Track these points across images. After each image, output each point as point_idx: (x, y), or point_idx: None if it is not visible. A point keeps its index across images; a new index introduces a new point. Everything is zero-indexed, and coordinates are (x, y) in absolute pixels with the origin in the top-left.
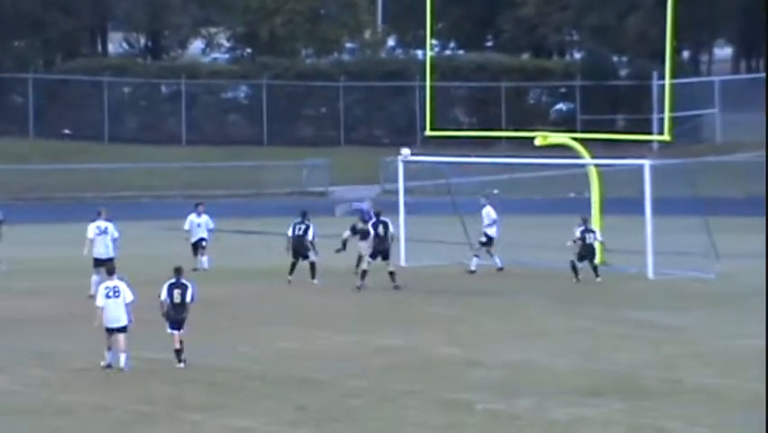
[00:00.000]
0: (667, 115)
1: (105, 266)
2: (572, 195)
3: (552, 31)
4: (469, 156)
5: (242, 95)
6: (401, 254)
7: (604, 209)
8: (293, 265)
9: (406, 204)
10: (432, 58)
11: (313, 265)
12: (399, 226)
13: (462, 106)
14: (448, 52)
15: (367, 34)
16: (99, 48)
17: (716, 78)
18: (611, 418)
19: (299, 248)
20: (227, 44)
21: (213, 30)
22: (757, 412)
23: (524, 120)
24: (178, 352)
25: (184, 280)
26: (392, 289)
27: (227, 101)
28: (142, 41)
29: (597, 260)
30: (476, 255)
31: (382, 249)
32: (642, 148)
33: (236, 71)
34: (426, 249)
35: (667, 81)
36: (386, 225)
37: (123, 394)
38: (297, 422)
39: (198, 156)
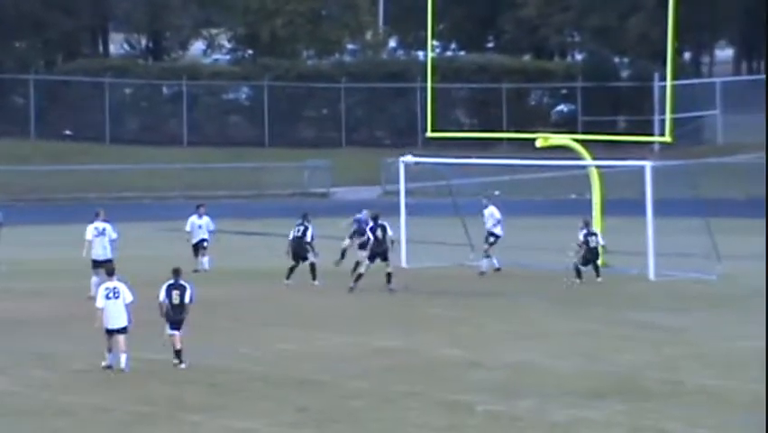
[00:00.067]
0: (668, 116)
1: (105, 267)
2: (573, 196)
3: (553, 32)
4: (470, 157)
5: (244, 96)
6: (402, 256)
7: (605, 211)
8: (292, 269)
9: (407, 205)
10: (433, 59)
11: (312, 266)
12: (401, 228)
13: (463, 108)
14: (449, 53)
15: (368, 35)
16: (100, 49)
17: (717, 80)
18: (612, 419)
19: (298, 250)
20: (228, 45)
21: (214, 31)
22: (758, 413)
23: (525, 121)
24: (178, 352)
25: (182, 282)
26: (388, 290)
27: (228, 102)
28: (143, 41)
29: (598, 261)
30: (487, 256)
31: (380, 251)
32: (643, 149)
33: (237, 72)
34: (427, 250)
35: (668, 82)
36: (384, 229)
37: (123, 395)
38: (297, 423)
39: (200, 157)
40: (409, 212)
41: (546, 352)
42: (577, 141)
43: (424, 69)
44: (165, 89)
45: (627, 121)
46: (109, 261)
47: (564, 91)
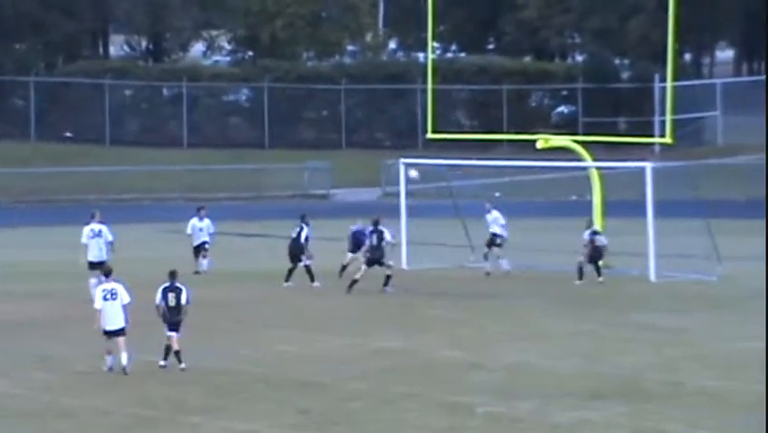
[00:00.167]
0: (669, 117)
1: (103, 268)
2: (574, 198)
3: (553, 33)
4: (470, 159)
5: (244, 97)
6: (403, 257)
7: (606, 212)
8: (290, 270)
9: (407, 207)
10: (433, 60)
11: (307, 268)
12: (401, 229)
13: (464, 109)
14: (449, 55)
15: (368, 37)
16: (100, 50)
17: (717, 81)
18: (613, 421)
19: (294, 251)
20: (228, 47)
21: (214, 32)
22: (759, 414)
23: (525, 123)
24: (177, 353)
25: (178, 284)
26: (382, 291)
27: (228, 104)
28: (144, 43)
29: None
30: (502, 258)
31: (375, 258)
32: (643, 150)
33: (237, 74)
34: (428, 252)
35: (669, 84)
36: (381, 235)
37: (123, 397)
38: (298, 425)
39: (200, 159)
40: (409, 213)
41: (547, 353)
42: (577, 142)
43: (424, 70)
44: (165, 91)
45: (628, 122)
46: (104, 262)
47: (565, 92)
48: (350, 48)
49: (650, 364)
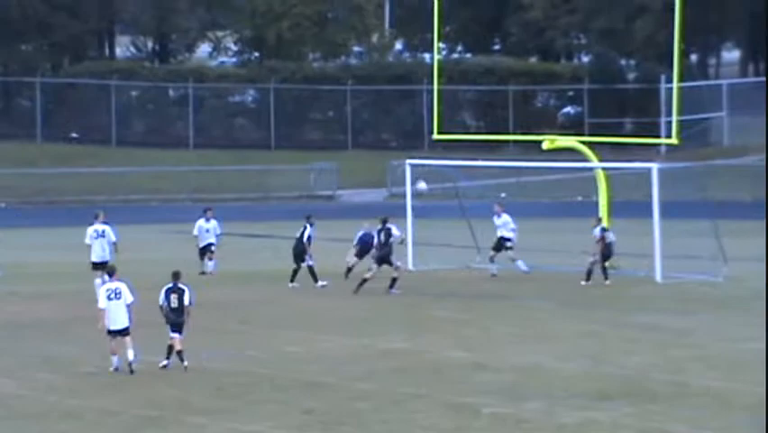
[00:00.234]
0: (675, 118)
1: (107, 268)
2: (580, 198)
3: (559, 34)
4: (476, 159)
5: (250, 98)
6: (409, 258)
7: (612, 213)
8: (294, 271)
9: (413, 207)
10: (439, 61)
11: (310, 269)
12: (407, 230)
13: (470, 110)
14: (455, 56)
15: (374, 38)
16: (107, 51)
17: (724, 82)
18: (619, 421)
19: (296, 252)
20: (234, 48)
21: (220, 33)
22: (763, 416)
23: (531, 123)
24: (179, 353)
25: (181, 285)
26: (388, 292)
27: (235, 105)
28: (150, 44)
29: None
30: (516, 260)
31: (383, 255)
32: (650, 151)
33: (243, 75)
34: (434, 252)
35: (675, 84)
36: (388, 232)
37: (129, 398)
38: (304, 426)
39: (206, 160)
40: (415, 214)
41: (553, 354)
42: (583, 143)
43: (430, 71)
44: (171, 92)
45: (634, 123)
46: (108, 263)
47: (571, 93)
48: (356, 49)
49: (655, 365)
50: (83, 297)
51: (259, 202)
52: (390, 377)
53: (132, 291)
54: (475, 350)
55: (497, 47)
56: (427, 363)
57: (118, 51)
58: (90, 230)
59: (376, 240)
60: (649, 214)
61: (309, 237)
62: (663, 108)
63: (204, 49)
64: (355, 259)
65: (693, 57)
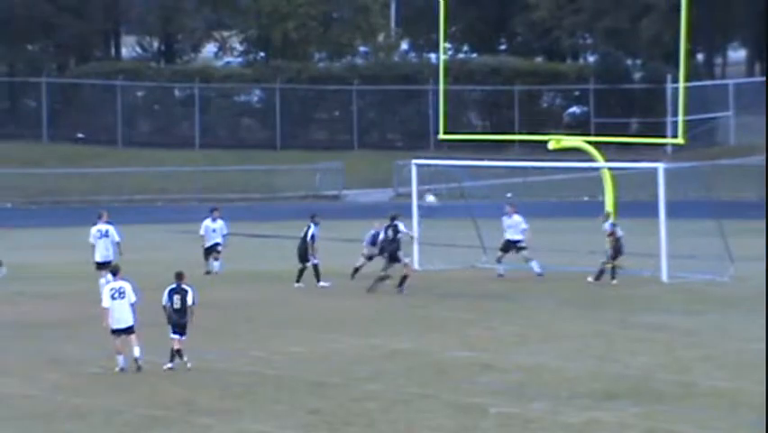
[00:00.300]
0: (681, 118)
1: (110, 267)
2: (586, 198)
3: (565, 34)
4: (482, 159)
5: (256, 98)
6: (415, 258)
7: (618, 212)
8: (300, 271)
9: (419, 207)
10: (445, 61)
11: (315, 268)
12: (413, 230)
13: (476, 110)
14: (461, 56)
15: (380, 38)
16: (112, 52)
17: (730, 81)
18: (625, 421)
19: (300, 251)
20: (240, 48)
21: (226, 33)
22: None
23: (537, 123)
24: (178, 351)
25: (184, 285)
26: (399, 291)
27: (240, 105)
28: (156, 44)
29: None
30: (530, 260)
31: (391, 252)
32: (656, 151)
33: (249, 75)
34: (439, 252)
35: (681, 84)
36: (396, 228)
37: (135, 398)
38: (309, 426)
39: (212, 160)
40: (421, 214)
41: (559, 354)
42: (589, 143)
43: (436, 71)
44: (177, 92)
45: (640, 123)
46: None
47: (577, 93)
48: (362, 49)
49: (662, 365)
50: (89, 297)
51: (264, 202)
52: (396, 377)
53: (137, 291)
54: (481, 350)
55: (502, 47)
56: (433, 364)
57: (124, 52)
58: (93, 230)
59: (382, 235)
60: (655, 213)
61: (313, 236)
62: (669, 108)
63: (209, 49)
64: (362, 260)
65: (699, 56)
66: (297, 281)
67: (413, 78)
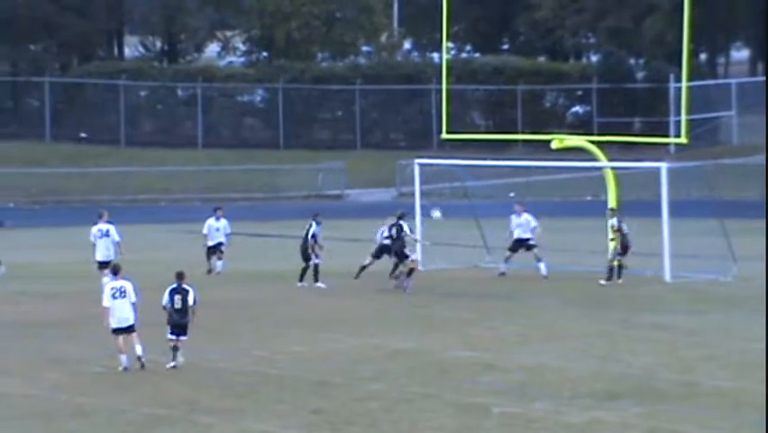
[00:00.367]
0: (684, 117)
1: (111, 266)
2: (589, 198)
3: (568, 33)
4: (485, 159)
5: (259, 98)
6: (417, 258)
7: (621, 212)
8: (303, 270)
9: (422, 207)
10: (448, 61)
11: (315, 267)
12: (416, 230)
13: (479, 109)
14: (464, 55)
15: (383, 37)
16: (115, 51)
17: (732, 81)
18: (628, 421)
19: (302, 250)
20: (243, 48)
21: (229, 33)
22: None
23: (540, 123)
24: (176, 349)
25: (185, 285)
26: (403, 286)
27: (243, 104)
28: (159, 44)
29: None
30: (540, 260)
31: (396, 249)
32: (659, 151)
33: (252, 75)
34: (442, 252)
35: (684, 84)
36: (399, 228)
37: (138, 397)
38: (312, 425)
39: (215, 159)
40: (424, 214)
41: (561, 354)
42: (592, 142)
43: (439, 70)
44: (180, 92)
45: (643, 122)
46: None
47: (579, 93)
48: (364, 48)
49: (664, 365)
50: (91, 296)
51: (267, 201)
52: (399, 377)
53: (139, 291)
54: (483, 350)
55: (505, 46)
56: (436, 363)
57: (127, 51)
58: (94, 229)
59: (386, 233)
60: (658, 213)
61: (314, 235)
62: (672, 107)
63: (212, 48)
64: (370, 258)
65: (702, 56)
66: (300, 281)
67: (416, 77)
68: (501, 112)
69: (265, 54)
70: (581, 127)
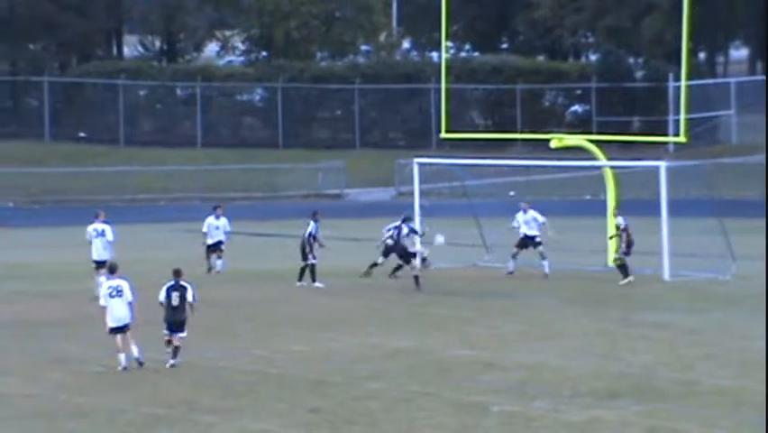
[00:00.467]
0: (683, 116)
1: (108, 265)
2: (588, 197)
3: (567, 32)
4: (484, 158)
5: (258, 97)
6: (417, 259)
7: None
8: (302, 269)
9: (421, 206)
10: (447, 60)
11: (312, 268)
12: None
13: (478, 109)
14: (463, 54)
15: (382, 37)
16: (114, 51)
17: (732, 80)
18: (627, 420)
19: (301, 248)
20: (242, 47)
21: (228, 32)
22: None
23: (539, 122)
24: (173, 347)
25: (183, 282)
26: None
27: (242, 104)
28: (158, 43)
29: (612, 261)
30: (545, 258)
31: (396, 251)
32: (658, 149)
33: (251, 74)
34: (441, 251)
35: (683, 83)
36: (399, 229)
37: (137, 396)
38: (311, 424)
39: (214, 159)
40: (423, 213)
41: (560, 352)
42: (591, 141)
43: (438, 70)
44: (179, 91)
45: (642, 121)
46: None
47: (579, 92)
48: (363, 48)
49: (664, 363)
50: (89, 296)
51: (266, 201)
52: (398, 376)
53: (138, 290)
54: (483, 348)
55: (504, 45)
56: (435, 362)
57: (126, 51)
58: (90, 228)
59: (390, 232)
60: (657, 212)
61: (311, 234)
62: (671, 106)
63: (212, 48)
64: (382, 258)
65: (701, 55)
66: (300, 280)
67: (415, 76)
68: (500, 111)
69: (264, 53)
70: (580, 126)
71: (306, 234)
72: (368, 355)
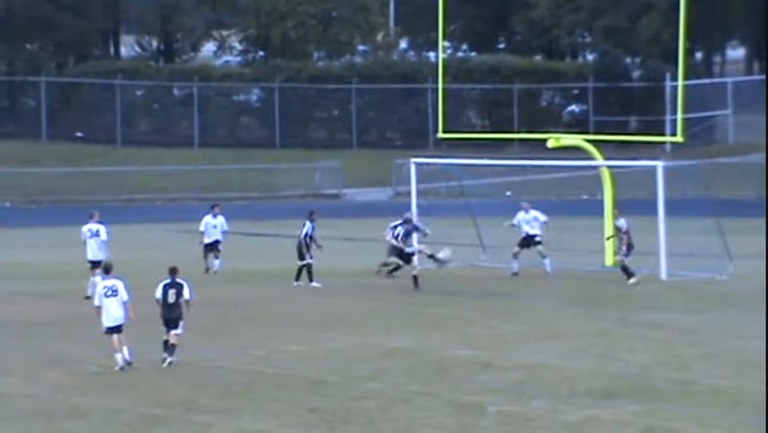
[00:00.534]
0: (680, 116)
1: (103, 265)
2: (585, 197)
3: (564, 32)
4: (481, 158)
5: (255, 97)
6: (415, 256)
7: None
8: (299, 269)
9: (418, 206)
10: (444, 60)
11: (308, 267)
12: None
13: (475, 108)
14: (460, 54)
15: (379, 37)
16: (111, 51)
17: (728, 80)
18: (625, 419)
19: (298, 248)
20: (239, 47)
21: (225, 32)
22: None
23: (536, 122)
24: (173, 346)
25: (179, 280)
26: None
27: (239, 104)
28: (155, 43)
29: (609, 261)
30: (545, 256)
31: (399, 251)
32: (655, 149)
33: (248, 74)
34: (439, 251)
35: (680, 83)
36: (395, 228)
37: (135, 397)
38: (309, 424)
39: (211, 159)
40: (421, 213)
41: (559, 352)
42: (588, 141)
43: (435, 69)
44: (176, 91)
45: (639, 121)
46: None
47: (576, 91)
48: (361, 47)
49: (662, 363)
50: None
51: (264, 201)
52: (396, 376)
53: (135, 290)
54: (481, 348)
55: (501, 45)
56: (433, 362)
57: (123, 51)
58: (84, 228)
59: (393, 232)
60: (654, 212)
61: (307, 234)
62: (668, 106)
63: (209, 48)
64: (394, 259)
65: (698, 55)
66: (297, 280)
67: (412, 76)
68: (497, 111)
69: (261, 53)
70: (578, 126)
71: (303, 234)
72: (366, 355)
